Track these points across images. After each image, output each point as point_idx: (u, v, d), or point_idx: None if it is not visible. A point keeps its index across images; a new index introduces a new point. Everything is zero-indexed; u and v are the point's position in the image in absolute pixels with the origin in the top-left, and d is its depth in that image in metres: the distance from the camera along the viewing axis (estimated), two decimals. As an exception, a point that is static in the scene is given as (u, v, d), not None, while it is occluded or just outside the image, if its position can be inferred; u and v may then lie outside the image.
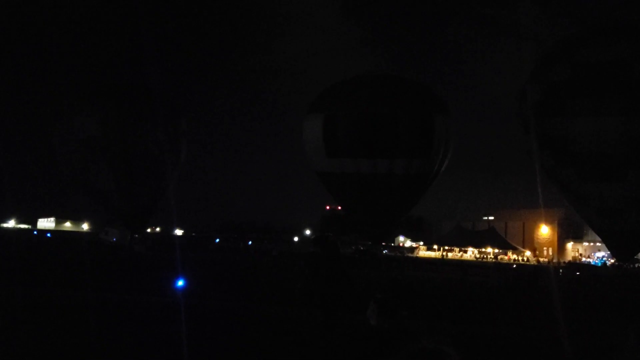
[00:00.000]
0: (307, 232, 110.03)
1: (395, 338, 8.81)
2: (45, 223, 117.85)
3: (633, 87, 29.06)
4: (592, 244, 73.31)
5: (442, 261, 55.62)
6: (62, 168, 47.56)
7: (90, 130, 44.99)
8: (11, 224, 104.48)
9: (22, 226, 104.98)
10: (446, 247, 74.60)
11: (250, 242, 70.60)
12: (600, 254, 65.65)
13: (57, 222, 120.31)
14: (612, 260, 37.71)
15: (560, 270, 47.53)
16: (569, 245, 78.27)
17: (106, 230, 58.05)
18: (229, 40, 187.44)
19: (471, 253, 72.40)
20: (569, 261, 67.15)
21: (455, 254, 72.04)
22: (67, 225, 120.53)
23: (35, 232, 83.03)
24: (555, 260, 69.79)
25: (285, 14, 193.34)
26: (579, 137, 30.25)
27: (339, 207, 51.38)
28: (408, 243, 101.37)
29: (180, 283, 17.24)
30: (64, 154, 46.80)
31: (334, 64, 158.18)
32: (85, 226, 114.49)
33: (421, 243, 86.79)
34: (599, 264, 53.33)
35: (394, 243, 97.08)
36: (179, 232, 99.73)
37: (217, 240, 69.71)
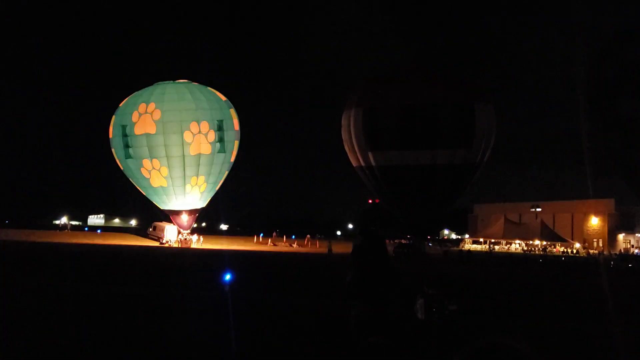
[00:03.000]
0: (350, 226, 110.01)
1: (447, 333, 8.75)
2: (95, 220, 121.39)
3: None
4: (645, 235, 71.02)
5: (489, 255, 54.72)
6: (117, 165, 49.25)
7: (148, 129, 46.24)
8: (63, 220, 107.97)
9: (73, 223, 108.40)
10: (492, 240, 73.45)
11: (293, 237, 71.07)
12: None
13: (107, 219, 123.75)
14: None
15: (612, 262, 46.21)
16: (620, 236, 75.90)
17: (154, 226, 59.40)
18: (268, 35, 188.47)
19: (518, 246, 71.10)
20: (620, 252, 65.22)
21: (502, 247, 70.88)
22: (116, 221, 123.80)
23: (86, 229, 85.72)
24: (605, 252, 67.87)
25: (321, 7, 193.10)
26: None
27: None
28: (453, 236, 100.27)
29: (228, 277, 17.52)
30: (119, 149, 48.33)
31: (373, 57, 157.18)
32: (133, 222, 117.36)
33: (467, 236, 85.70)
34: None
35: (438, 236, 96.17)
36: (224, 227, 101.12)
37: (262, 234, 70.37)
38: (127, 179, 49.74)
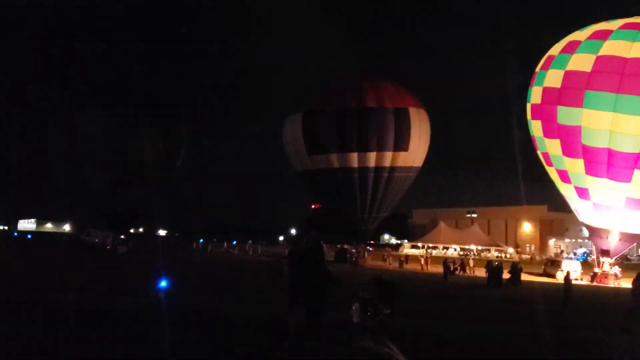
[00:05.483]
0: (293, 231, 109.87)
1: (381, 337, 8.78)
2: (26, 224, 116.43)
3: None
4: (573, 240, 74.05)
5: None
6: (56, 166, 47.32)
7: (90, 129, 44.63)
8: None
9: (0, 227, 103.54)
10: (430, 245, 74.91)
11: (235, 242, 70.35)
12: (581, 250, 66.32)
13: (38, 224, 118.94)
14: (594, 257, 38.06)
15: (543, 267, 47.91)
16: (551, 241, 78.97)
17: (88, 232, 57.40)
18: (210, 41, 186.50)
19: (453, 250, 72.78)
20: (550, 257, 67.85)
21: (439, 251, 72.38)
22: (49, 226, 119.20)
23: (15, 234, 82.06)
24: (537, 257, 70.37)
25: (264, 14, 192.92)
26: (595, 130, 29.80)
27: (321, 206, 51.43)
28: (393, 241, 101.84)
29: (163, 284, 17.09)
30: (59, 152, 46.43)
31: (316, 64, 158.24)
32: (66, 227, 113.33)
33: (405, 241, 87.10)
34: (581, 260, 53.81)
35: (379, 241, 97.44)
36: (162, 232, 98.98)
37: (202, 240, 69.28)
38: (63, 179, 47.97)
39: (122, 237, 50.56)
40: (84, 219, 58.71)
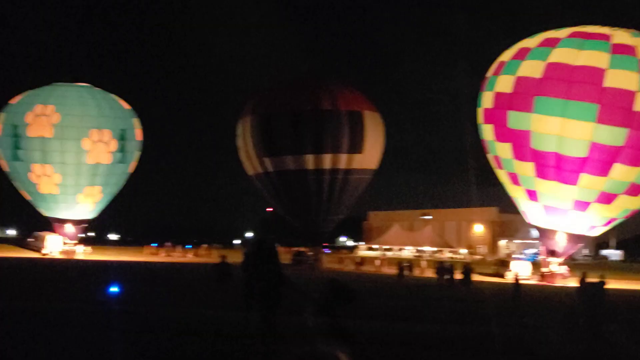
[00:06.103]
0: (248, 234, 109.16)
1: (335, 339, 8.78)
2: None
3: (605, 94, 29.38)
4: (523, 241, 76.02)
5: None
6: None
7: (44, 132, 43.40)
8: None
9: None
10: (385, 247, 75.64)
11: (189, 246, 69.21)
12: (531, 251, 68.13)
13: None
14: (543, 257, 39.17)
15: (494, 268, 49.03)
16: (502, 242, 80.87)
17: (35, 236, 55.52)
18: (163, 41, 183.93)
19: (408, 252, 73.67)
20: (500, 258, 69.44)
21: (395, 253, 73.14)
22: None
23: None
24: (489, 258, 71.89)
25: (220, 13, 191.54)
26: (544, 134, 30.72)
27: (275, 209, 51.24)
28: (349, 243, 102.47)
29: (115, 289, 16.69)
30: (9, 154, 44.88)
31: (271, 65, 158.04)
32: (10, 232, 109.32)
33: (362, 243, 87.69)
34: (531, 260, 55.28)
35: (335, 243, 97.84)
36: (114, 237, 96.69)
37: (155, 244, 67.90)
38: (8, 182, 46.70)
39: (75, 242, 49.14)
40: (32, 222, 56.81)
